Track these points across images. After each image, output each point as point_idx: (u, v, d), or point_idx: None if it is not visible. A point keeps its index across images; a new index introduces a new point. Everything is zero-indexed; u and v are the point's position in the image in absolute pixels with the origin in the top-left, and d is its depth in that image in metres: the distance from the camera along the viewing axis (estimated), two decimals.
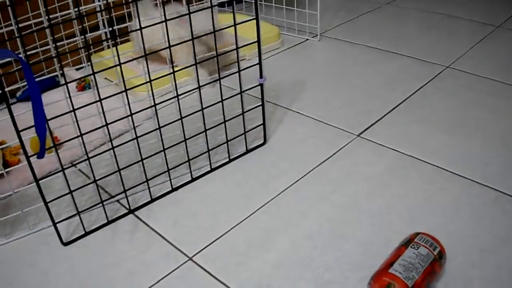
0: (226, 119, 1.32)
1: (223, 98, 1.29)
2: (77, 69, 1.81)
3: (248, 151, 1.41)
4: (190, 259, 1.10)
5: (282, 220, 1.18)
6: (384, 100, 1.63)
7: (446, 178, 1.29)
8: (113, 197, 1.26)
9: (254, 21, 1.24)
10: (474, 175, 1.29)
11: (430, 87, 1.75)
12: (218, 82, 1.26)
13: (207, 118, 1.35)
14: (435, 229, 1.12)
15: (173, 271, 1.07)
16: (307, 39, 2.18)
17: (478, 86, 1.74)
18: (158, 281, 1.05)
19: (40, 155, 0.94)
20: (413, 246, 0.98)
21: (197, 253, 1.11)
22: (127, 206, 1.24)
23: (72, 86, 1.72)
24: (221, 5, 2.43)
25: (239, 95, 1.33)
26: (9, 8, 0.96)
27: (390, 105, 1.62)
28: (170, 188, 1.29)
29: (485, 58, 1.94)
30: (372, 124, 1.52)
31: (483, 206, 1.19)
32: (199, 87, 1.22)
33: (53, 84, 1.69)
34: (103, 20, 1.82)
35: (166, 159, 1.25)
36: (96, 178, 1.15)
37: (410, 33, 2.21)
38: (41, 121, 0.91)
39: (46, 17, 0.99)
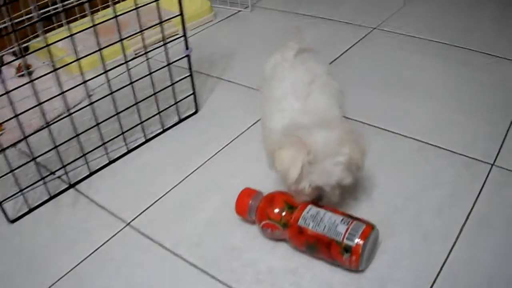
0: (157, 91, 1.37)
1: (152, 71, 1.33)
2: (15, 54, 1.82)
3: (180, 120, 1.47)
4: (128, 224, 1.16)
5: (213, 182, 1.25)
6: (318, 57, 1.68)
7: (371, 132, 1.36)
8: (53, 173, 1.31)
9: None
10: (399, 128, 1.36)
11: (357, 48, 1.81)
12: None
13: (141, 92, 1.38)
14: (359, 180, 1.19)
15: (112, 237, 1.13)
16: (239, 11, 2.21)
17: (404, 45, 1.78)
18: (99, 246, 1.11)
19: None
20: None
21: (134, 219, 1.17)
22: (68, 181, 1.28)
23: (13, 71, 1.72)
24: None
25: (172, 68, 1.38)
26: None
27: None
28: (108, 161, 1.34)
29: (411, 19, 2.00)
30: None
31: (407, 157, 1.27)
32: (125, 62, 1.26)
33: None
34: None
35: (101, 133, 1.29)
36: (35, 156, 1.19)
37: None
38: None
39: None
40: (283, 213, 1.01)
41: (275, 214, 1.02)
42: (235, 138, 1.39)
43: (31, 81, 1.10)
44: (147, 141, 1.41)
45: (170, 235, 1.12)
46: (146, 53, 1.30)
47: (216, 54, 1.85)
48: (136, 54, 1.81)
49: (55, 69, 1.14)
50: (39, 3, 1.76)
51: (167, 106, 1.43)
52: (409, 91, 1.50)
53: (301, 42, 1.26)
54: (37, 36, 1.82)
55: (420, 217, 1.10)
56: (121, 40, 1.22)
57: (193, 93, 1.46)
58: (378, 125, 1.37)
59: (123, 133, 1.34)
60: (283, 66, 1.20)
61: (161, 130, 1.43)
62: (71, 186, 1.29)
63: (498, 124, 1.35)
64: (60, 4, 1.56)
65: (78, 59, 1.17)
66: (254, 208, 1.06)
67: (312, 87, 1.11)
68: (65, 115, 1.25)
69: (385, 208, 1.12)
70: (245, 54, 1.82)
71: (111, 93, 1.26)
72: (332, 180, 0.97)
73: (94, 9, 1.93)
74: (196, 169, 1.30)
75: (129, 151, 1.38)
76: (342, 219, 0.97)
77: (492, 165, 1.21)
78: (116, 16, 1.19)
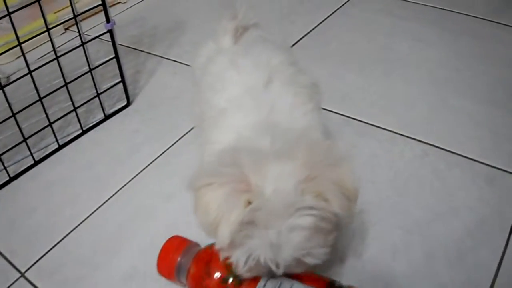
0: (71, 80, 1.04)
1: (60, 54, 1.00)
2: None
3: (107, 117, 1.13)
4: (22, 275, 0.84)
5: (140, 210, 0.92)
6: (281, 36, 1.35)
7: (357, 131, 1.05)
8: None
9: None
10: (392, 124, 1.06)
11: (337, 16, 1.49)
12: None
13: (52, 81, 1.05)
14: None
15: None
16: None
17: (396, 11, 1.48)
18: None
19: None
20: None
21: (31, 266, 0.85)
22: None
23: None
24: None
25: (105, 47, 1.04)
26: None
27: (287, 42, 1.35)
28: (8, 177, 1.01)
29: None
30: None
31: (407, 166, 0.97)
32: (19, 44, 0.91)
33: None
34: None
35: None
36: None
37: None
38: None
39: None
40: (227, 286, 0.65)
41: (214, 286, 0.66)
42: (176, 142, 1.06)
43: None
44: (61, 147, 1.07)
45: None
46: (48, 30, 0.95)
47: (162, 26, 1.51)
48: (65, 30, 1.48)
49: None
50: None
51: (86, 100, 1.10)
52: (403, 71, 1.21)
53: (236, 18, 0.89)
54: None
55: (431, 261, 0.78)
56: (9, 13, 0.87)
57: (122, 81, 1.12)
58: (364, 119, 1.07)
59: (24, 140, 1.00)
60: (220, 64, 0.82)
61: (81, 131, 1.08)
62: None
63: None
64: None
65: None
66: (185, 268, 0.71)
67: (272, 90, 0.74)
68: None
69: (377, 248, 0.81)
70: (196, 26, 1.49)
71: (1, 88, 0.91)
72: (283, 256, 0.59)
73: None
74: (119, 190, 0.97)
75: (36, 162, 1.04)
76: None
77: None
78: None
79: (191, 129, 1.08)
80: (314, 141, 0.66)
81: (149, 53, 1.37)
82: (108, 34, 1.06)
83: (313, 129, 0.71)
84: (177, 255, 0.71)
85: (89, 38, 1.05)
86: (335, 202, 0.57)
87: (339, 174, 0.59)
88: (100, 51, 1.11)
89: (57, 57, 1.00)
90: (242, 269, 0.60)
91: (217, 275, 0.66)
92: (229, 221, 0.56)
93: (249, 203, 0.56)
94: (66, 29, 1.52)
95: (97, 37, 1.06)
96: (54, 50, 0.99)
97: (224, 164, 0.60)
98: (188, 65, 1.29)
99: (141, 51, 1.38)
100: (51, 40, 0.98)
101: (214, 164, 0.62)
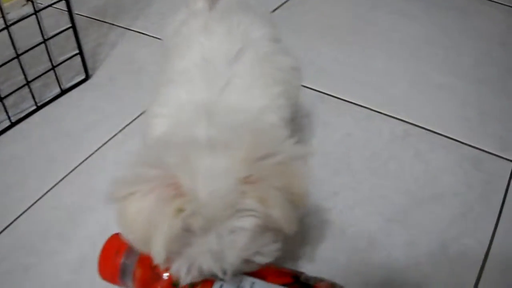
0: (23, 51, 0.95)
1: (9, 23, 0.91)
2: None
3: (63, 91, 1.04)
4: None
5: (94, 192, 0.85)
6: (255, 6, 1.26)
7: (332, 108, 0.99)
8: None
9: None
10: (373, 102, 1.00)
11: None
12: None
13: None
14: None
15: None
16: None
17: None
18: None
19: None
20: None
21: None
22: None
23: None
24: None
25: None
26: None
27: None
28: None
29: None
30: None
31: (386, 146, 0.91)
32: None
33: None
34: None
35: None
36: None
37: None
38: None
39: None
40: (179, 286, 0.58)
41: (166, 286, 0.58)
42: (135, 119, 0.98)
43: None
44: (13, 124, 0.99)
45: (24, 283, 0.73)
46: None
47: None
48: (27, 2, 1.39)
49: None
50: None
51: (40, 73, 1.01)
52: (385, 46, 1.15)
53: None
54: None
55: (411, 251, 0.73)
56: None
57: (80, 53, 1.03)
58: (340, 95, 1.01)
59: None
60: (193, 26, 0.74)
61: (35, 107, 0.99)
62: None
63: None
64: None
65: None
66: (130, 270, 0.62)
67: (236, 66, 0.65)
68: None
69: (353, 236, 0.75)
70: None
71: None
72: (229, 261, 0.51)
73: None
74: (74, 169, 0.89)
75: None
76: None
77: None
78: None
79: None
80: (261, 129, 0.57)
81: (113, 25, 1.29)
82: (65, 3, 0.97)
83: (270, 113, 0.63)
84: (119, 257, 0.63)
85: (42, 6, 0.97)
86: (277, 211, 0.50)
87: (287, 178, 0.52)
88: (60, 22, 1.03)
89: (7, 26, 0.91)
90: (185, 280, 0.53)
91: (166, 276, 0.58)
92: (160, 236, 0.48)
93: (181, 210, 0.48)
94: (28, 0, 1.43)
95: (51, 5, 0.98)
96: (3, 18, 0.90)
97: (148, 163, 0.52)
98: (155, 37, 1.21)
99: (104, 22, 1.30)
100: (0, 8, 0.89)
101: (137, 163, 0.53)
